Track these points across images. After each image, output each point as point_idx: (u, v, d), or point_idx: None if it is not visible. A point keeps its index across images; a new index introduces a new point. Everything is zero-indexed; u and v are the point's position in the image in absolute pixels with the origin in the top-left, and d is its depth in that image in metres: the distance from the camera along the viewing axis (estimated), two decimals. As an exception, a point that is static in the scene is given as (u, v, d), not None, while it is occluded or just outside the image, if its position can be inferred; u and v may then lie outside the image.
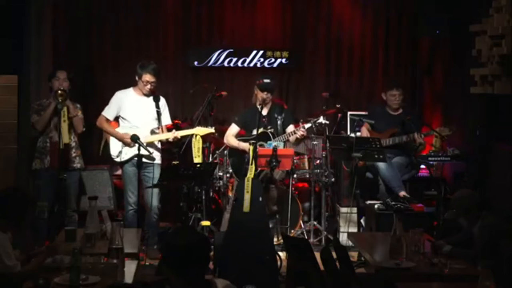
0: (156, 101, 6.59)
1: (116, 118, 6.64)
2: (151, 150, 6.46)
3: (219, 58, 8.28)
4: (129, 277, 4.04)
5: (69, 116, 6.37)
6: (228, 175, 7.09)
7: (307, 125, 6.67)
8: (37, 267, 3.98)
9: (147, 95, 6.57)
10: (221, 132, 7.24)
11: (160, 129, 6.59)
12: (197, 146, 6.43)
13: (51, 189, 6.36)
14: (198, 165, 6.19)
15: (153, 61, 6.67)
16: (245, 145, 6.55)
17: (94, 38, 8.24)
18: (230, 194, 6.98)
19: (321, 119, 6.68)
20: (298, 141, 6.85)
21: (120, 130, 6.54)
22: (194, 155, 6.43)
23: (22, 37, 7.21)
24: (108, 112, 6.60)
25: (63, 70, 6.59)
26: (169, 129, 6.69)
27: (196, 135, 6.45)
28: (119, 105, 6.57)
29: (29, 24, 7.30)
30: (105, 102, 7.75)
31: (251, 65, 8.31)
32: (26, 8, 7.25)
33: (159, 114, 6.56)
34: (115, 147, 6.54)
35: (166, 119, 6.68)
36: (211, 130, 6.54)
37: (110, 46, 8.26)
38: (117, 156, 6.53)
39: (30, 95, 7.13)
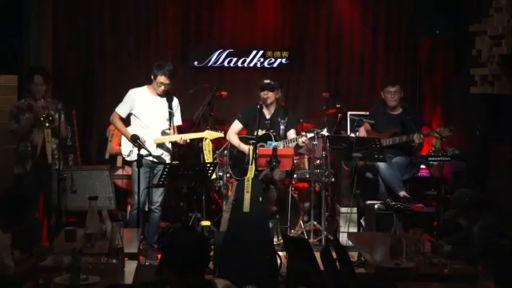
0: (170, 101, 6.62)
1: (128, 115, 6.65)
2: (161, 151, 6.51)
3: (219, 58, 8.28)
4: (129, 277, 4.04)
5: (53, 126, 6.23)
6: (228, 175, 7.08)
7: (310, 135, 6.65)
8: (34, 267, 3.98)
9: (161, 96, 6.59)
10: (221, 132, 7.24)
11: (172, 129, 6.61)
12: (207, 149, 6.49)
13: (37, 190, 6.27)
14: (198, 166, 6.20)
15: (169, 62, 6.67)
16: (245, 148, 6.53)
17: (94, 38, 8.23)
18: (230, 194, 6.97)
19: (324, 131, 6.66)
20: (298, 147, 6.83)
21: (131, 128, 6.56)
22: (206, 158, 6.46)
23: (22, 37, 7.20)
24: (122, 109, 6.61)
25: (39, 73, 6.43)
26: (181, 129, 6.73)
27: (205, 139, 6.48)
28: (133, 103, 6.59)
29: (29, 24, 7.30)
30: (105, 101, 7.79)
31: (251, 65, 8.31)
32: (26, 8, 7.25)
33: (171, 114, 6.59)
34: (126, 146, 6.57)
35: (178, 120, 6.71)
36: (220, 134, 6.61)
37: (110, 46, 8.25)
38: (128, 156, 6.57)
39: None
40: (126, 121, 6.70)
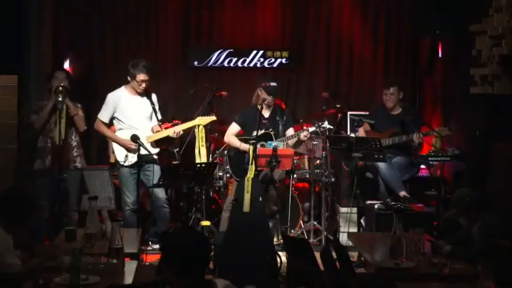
0: (149, 98, 6.56)
1: (111, 119, 6.62)
2: (154, 150, 6.49)
3: (219, 58, 8.28)
4: (129, 277, 4.04)
5: (70, 114, 6.37)
6: (228, 175, 7.08)
7: (311, 129, 6.64)
8: (36, 267, 3.98)
9: (141, 94, 6.55)
10: (221, 132, 7.23)
11: (158, 126, 6.57)
12: (200, 136, 6.43)
13: (51, 189, 6.36)
14: (198, 165, 6.19)
15: (144, 59, 6.66)
16: (246, 147, 6.50)
17: (94, 38, 8.24)
18: (229, 194, 6.97)
19: (326, 124, 6.65)
20: (298, 143, 6.82)
21: (117, 132, 6.53)
22: (197, 146, 6.42)
23: (22, 37, 7.21)
24: (103, 115, 6.57)
25: (62, 70, 6.60)
26: (165, 129, 6.68)
27: (198, 126, 6.45)
28: (114, 106, 6.53)
29: (29, 24, 7.30)
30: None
31: (251, 65, 8.32)
32: (26, 8, 7.24)
33: (155, 111, 6.55)
34: (120, 152, 6.52)
35: (159, 115, 6.65)
36: (213, 118, 6.56)
37: (110, 46, 8.26)
38: (124, 161, 6.49)
39: (30, 95, 7.13)
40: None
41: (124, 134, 6.46)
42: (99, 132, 6.70)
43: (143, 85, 6.45)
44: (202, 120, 6.49)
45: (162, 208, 6.57)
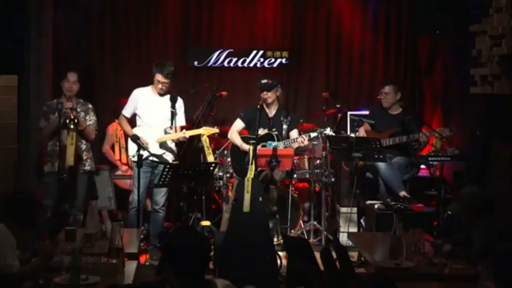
0: (173, 101, 6.67)
1: (134, 115, 6.74)
2: (162, 150, 6.59)
3: (219, 58, 8.28)
4: (129, 277, 4.04)
5: (79, 128, 6.32)
6: (228, 175, 7.08)
7: (313, 134, 6.65)
8: (37, 268, 3.98)
9: (163, 95, 6.62)
10: (221, 132, 7.23)
11: (173, 129, 6.62)
12: (206, 145, 6.56)
13: (57, 190, 6.34)
14: (198, 165, 6.22)
15: (171, 63, 6.73)
16: (247, 147, 6.51)
17: (94, 38, 8.23)
18: (230, 194, 6.98)
19: (328, 130, 6.66)
20: (301, 148, 6.83)
21: (136, 128, 6.64)
22: (206, 153, 6.56)
23: (22, 37, 7.20)
24: (126, 110, 6.73)
25: (74, 72, 6.55)
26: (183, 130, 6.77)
27: (203, 135, 6.56)
28: (135, 102, 6.68)
29: (29, 24, 7.29)
30: (105, 102, 7.79)
31: (251, 65, 8.31)
32: (26, 8, 7.24)
33: (173, 114, 6.64)
34: (132, 147, 6.60)
35: (180, 120, 6.74)
36: (216, 130, 6.68)
37: (110, 46, 8.25)
38: (133, 156, 6.58)
39: (30, 95, 7.12)
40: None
41: (139, 131, 6.55)
42: (120, 125, 6.89)
43: (160, 85, 6.58)
44: (206, 131, 6.62)
45: (155, 212, 6.69)
